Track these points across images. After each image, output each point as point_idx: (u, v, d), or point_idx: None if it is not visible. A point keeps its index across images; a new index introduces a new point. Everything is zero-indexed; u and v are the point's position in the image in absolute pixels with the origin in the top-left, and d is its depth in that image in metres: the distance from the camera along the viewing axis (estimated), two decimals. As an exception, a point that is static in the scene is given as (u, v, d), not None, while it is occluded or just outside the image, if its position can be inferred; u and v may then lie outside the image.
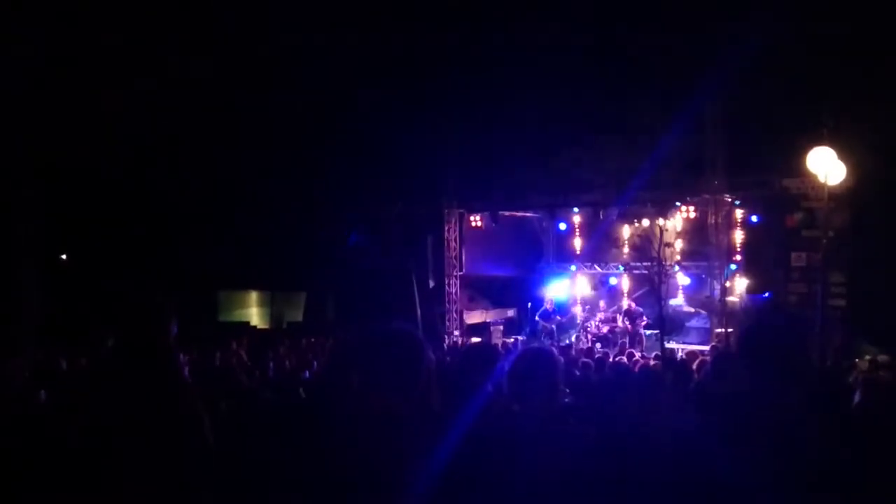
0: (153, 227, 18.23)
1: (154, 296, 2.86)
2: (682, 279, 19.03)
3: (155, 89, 15.65)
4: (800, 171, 13.98)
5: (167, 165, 17.48)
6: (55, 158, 15.45)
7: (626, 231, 19.78)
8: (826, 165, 12.61)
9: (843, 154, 12.73)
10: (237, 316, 22.52)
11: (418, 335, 2.75)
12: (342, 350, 5.17)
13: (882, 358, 11.22)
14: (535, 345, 4.35)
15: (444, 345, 17.38)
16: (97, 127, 15.49)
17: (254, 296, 23.67)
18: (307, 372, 8.83)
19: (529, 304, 19.67)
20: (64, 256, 20.05)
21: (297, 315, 22.31)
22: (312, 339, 14.30)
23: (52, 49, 13.86)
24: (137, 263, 17.15)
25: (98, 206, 17.60)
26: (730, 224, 17.22)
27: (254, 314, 23.34)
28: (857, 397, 5.28)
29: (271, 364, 8.61)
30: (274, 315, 23.52)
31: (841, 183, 13.25)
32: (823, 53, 14.37)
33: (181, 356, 6.67)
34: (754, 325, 2.34)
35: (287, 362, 9.14)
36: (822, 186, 12.84)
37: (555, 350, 3.61)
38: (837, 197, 13.97)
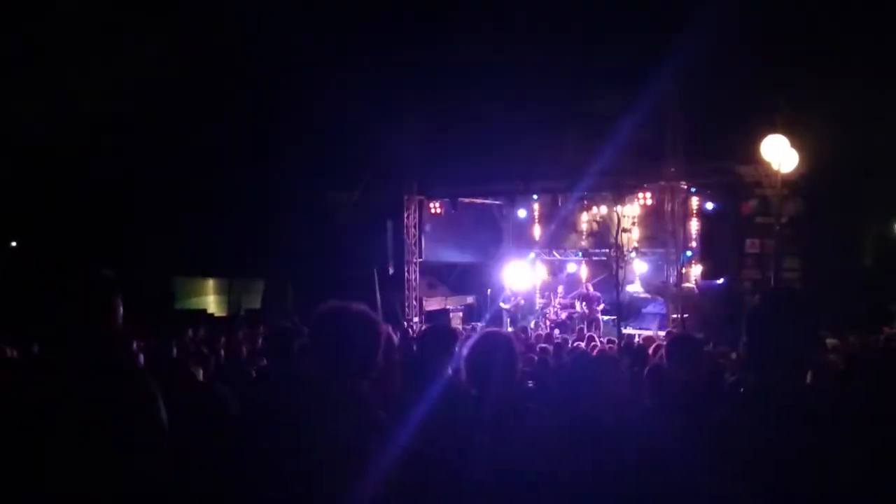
0: (107, 213, 17.90)
1: (98, 273, 2.77)
2: (640, 265, 19.23)
3: (108, 69, 15.34)
4: (754, 159, 14.19)
5: (121, 150, 17.14)
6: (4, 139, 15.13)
7: (584, 218, 19.93)
8: (780, 153, 12.82)
9: (796, 142, 12.95)
10: (194, 303, 22.24)
11: (373, 313, 2.70)
12: (279, 336, 5.12)
13: (831, 342, 11.45)
14: (493, 329, 4.37)
15: (405, 331, 17.34)
16: (49, 108, 15.15)
17: (211, 283, 23.39)
18: (265, 359, 8.75)
19: (489, 291, 19.74)
20: (14, 244, 19.61)
21: (256, 302, 22.12)
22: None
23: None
24: (91, 250, 16.84)
25: (52, 191, 17.22)
26: (686, 211, 17.44)
27: (211, 301, 23.08)
28: (808, 379, 5.38)
29: (222, 352, 8.49)
30: (232, 302, 23.27)
31: (794, 170, 13.49)
32: (778, 43, 14.57)
33: (134, 342, 6.55)
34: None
35: (244, 349, 9.05)
36: (776, 174, 13.05)
37: (512, 335, 3.61)
38: (791, 184, 14.22)
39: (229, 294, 23.48)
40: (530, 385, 5.26)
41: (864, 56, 13.83)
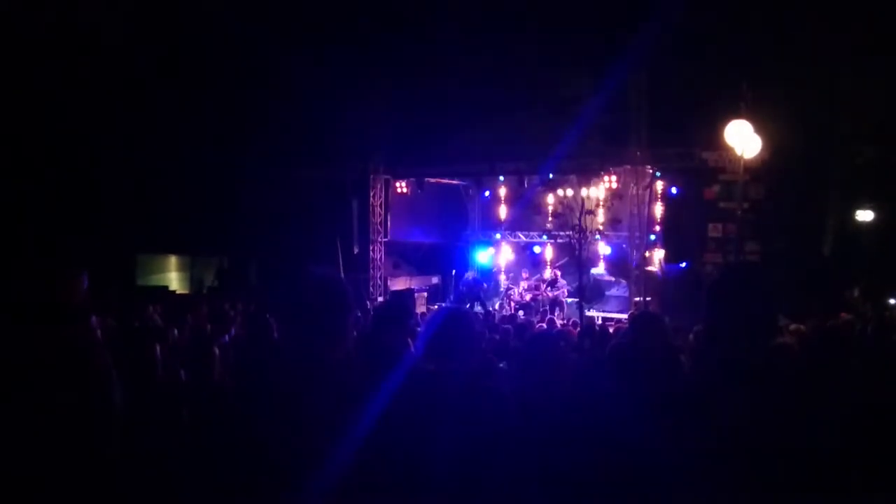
0: (67, 188, 17.55)
1: (63, 247, 2.72)
2: (604, 248, 19.35)
3: (66, 40, 15.01)
4: (718, 145, 14.32)
5: (84, 125, 16.81)
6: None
7: (550, 200, 20.00)
8: (743, 139, 12.94)
9: (760, 128, 13.09)
10: (155, 280, 21.98)
11: (343, 281, 2.64)
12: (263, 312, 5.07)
13: (793, 327, 11.62)
14: (453, 305, 4.37)
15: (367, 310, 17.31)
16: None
17: (173, 260, 23.13)
18: (226, 336, 8.68)
19: (454, 272, 19.75)
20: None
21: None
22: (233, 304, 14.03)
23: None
24: (51, 226, 16.53)
25: (15, 166, 16.83)
26: (650, 195, 17.55)
27: (173, 278, 22.83)
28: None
29: (176, 331, 8.38)
30: (194, 280, 23.06)
31: (757, 156, 13.64)
32: (743, 29, 14.69)
33: (94, 318, 6.45)
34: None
35: (207, 325, 8.96)
36: (739, 159, 13.19)
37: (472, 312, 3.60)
38: (753, 170, 14.39)
39: (192, 271, 23.26)
40: (494, 362, 5.28)
41: (828, 45, 13.99)
